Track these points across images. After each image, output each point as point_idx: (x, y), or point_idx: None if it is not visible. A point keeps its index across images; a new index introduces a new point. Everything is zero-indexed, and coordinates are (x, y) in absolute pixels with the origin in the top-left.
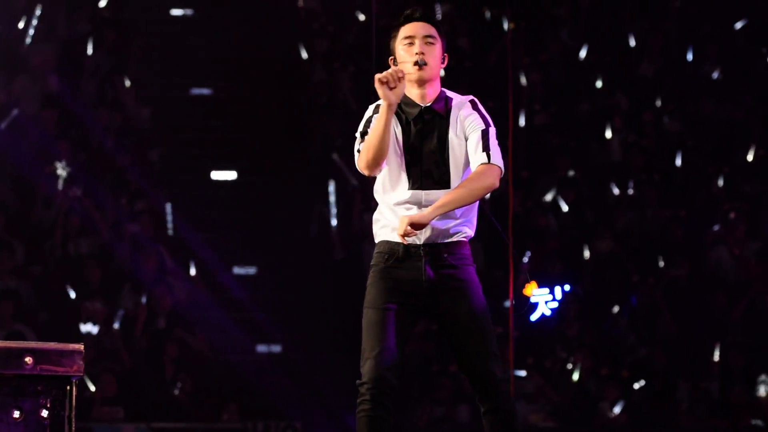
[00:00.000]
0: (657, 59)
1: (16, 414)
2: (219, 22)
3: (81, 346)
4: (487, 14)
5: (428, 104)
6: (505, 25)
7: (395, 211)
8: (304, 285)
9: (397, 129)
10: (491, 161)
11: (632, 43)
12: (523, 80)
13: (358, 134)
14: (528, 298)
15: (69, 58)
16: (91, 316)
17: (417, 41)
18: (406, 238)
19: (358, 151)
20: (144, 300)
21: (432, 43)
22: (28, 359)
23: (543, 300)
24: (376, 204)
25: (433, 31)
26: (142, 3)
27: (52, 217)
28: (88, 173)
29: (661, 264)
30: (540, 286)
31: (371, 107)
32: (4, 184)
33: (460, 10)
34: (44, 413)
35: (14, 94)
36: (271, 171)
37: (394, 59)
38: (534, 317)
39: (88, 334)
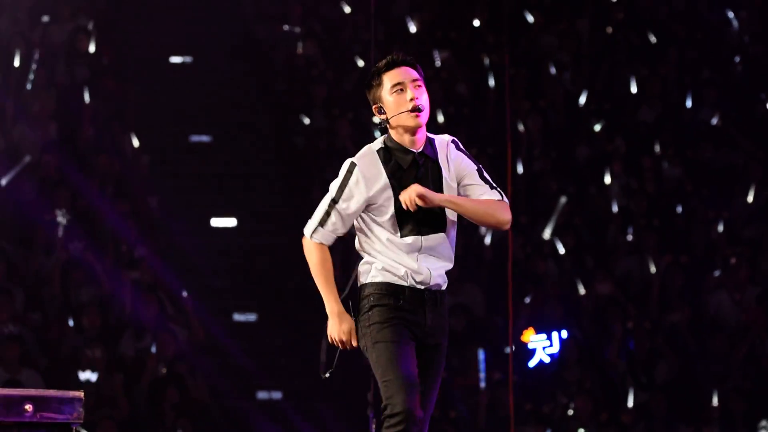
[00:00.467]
0: (656, 105)
1: None
2: (218, 69)
3: (81, 394)
4: (486, 60)
5: (420, 149)
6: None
7: (398, 254)
8: (304, 331)
9: (393, 179)
10: (504, 200)
11: (632, 88)
12: (521, 127)
13: (329, 199)
14: (526, 344)
15: (68, 105)
16: (90, 363)
17: (407, 86)
18: (406, 205)
19: (319, 224)
20: (150, 347)
21: (420, 86)
22: (29, 407)
23: (541, 346)
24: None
25: (419, 74)
26: (142, 50)
27: (51, 265)
28: (88, 220)
29: (660, 309)
30: (538, 332)
31: (345, 166)
32: (5, 231)
33: (458, 57)
34: None
35: (14, 140)
36: (270, 217)
37: (380, 108)
38: (532, 363)
39: (87, 381)
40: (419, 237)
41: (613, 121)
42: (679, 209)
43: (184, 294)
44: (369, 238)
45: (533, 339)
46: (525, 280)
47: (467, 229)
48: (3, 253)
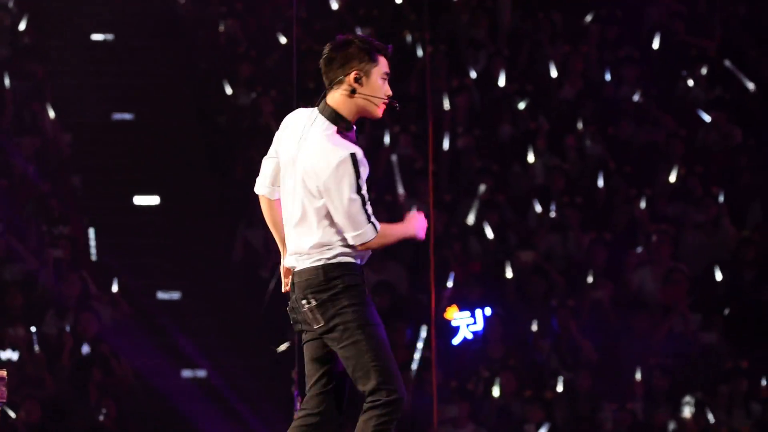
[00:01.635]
0: (577, 82)
1: None
2: (140, 47)
3: (4, 373)
4: (408, 38)
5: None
6: (420, 51)
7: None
8: (229, 309)
9: None
10: None
11: (552, 66)
12: (446, 104)
13: (356, 200)
14: (449, 321)
15: None
16: (13, 343)
17: (387, 81)
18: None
19: (371, 224)
20: (68, 327)
21: None
22: None
23: (464, 323)
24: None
25: None
26: (62, 28)
27: None
28: (10, 199)
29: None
30: (461, 309)
31: (348, 160)
32: None
33: (380, 33)
34: None
35: None
36: (193, 195)
37: (359, 78)
38: (456, 341)
39: (9, 360)
40: None
41: (536, 100)
42: (602, 186)
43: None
44: (330, 221)
45: (457, 316)
46: (448, 257)
47: (391, 206)
48: None
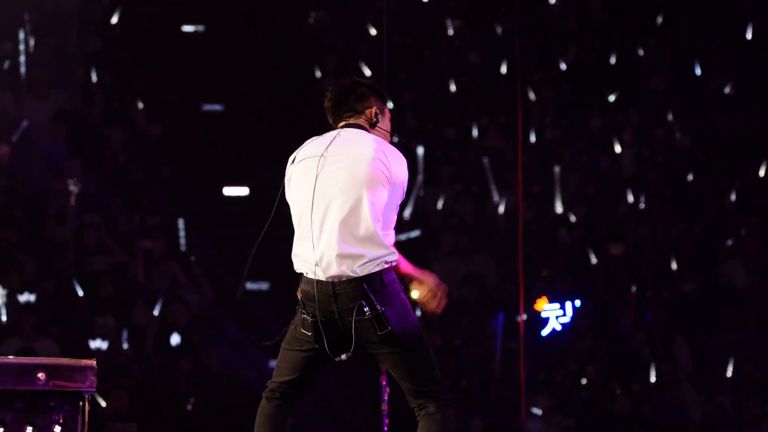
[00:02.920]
0: (667, 74)
1: (29, 430)
2: (230, 38)
3: (93, 362)
4: (498, 30)
5: None
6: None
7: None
8: None
9: None
10: None
11: (642, 57)
12: (532, 95)
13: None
14: (539, 313)
15: (80, 75)
16: (102, 332)
17: None
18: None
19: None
20: (162, 316)
21: None
22: (41, 375)
23: (554, 315)
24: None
25: None
26: (153, 19)
27: (64, 234)
28: (101, 189)
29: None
30: (551, 301)
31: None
32: (16, 199)
33: (470, 26)
34: (57, 429)
35: (25, 109)
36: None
37: (378, 112)
38: (545, 332)
39: (99, 349)
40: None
41: (625, 91)
42: (691, 178)
43: (192, 259)
44: (386, 224)
45: (546, 308)
46: (538, 249)
47: (479, 198)
48: (15, 221)
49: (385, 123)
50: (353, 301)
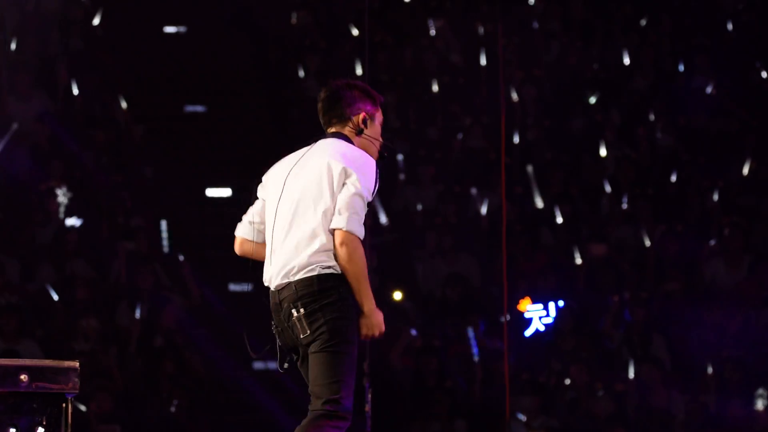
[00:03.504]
0: (649, 73)
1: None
2: (212, 39)
3: (76, 364)
4: (481, 30)
5: None
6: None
7: None
8: None
9: None
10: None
11: (625, 57)
12: (514, 96)
13: (364, 194)
14: (522, 313)
15: (61, 76)
16: (85, 334)
17: None
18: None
19: (362, 227)
20: (138, 316)
21: None
22: (24, 377)
23: (537, 315)
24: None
25: None
26: (135, 21)
27: (47, 236)
28: (83, 192)
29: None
30: (534, 301)
31: (373, 166)
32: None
33: (453, 26)
34: (40, 431)
35: (6, 111)
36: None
37: (365, 121)
38: (528, 332)
39: (81, 352)
40: None
41: (607, 91)
42: (674, 178)
43: (181, 258)
44: (330, 234)
45: (530, 308)
46: (520, 250)
47: (461, 199)
48: None
49: (373, 129)
50: (289, 305)
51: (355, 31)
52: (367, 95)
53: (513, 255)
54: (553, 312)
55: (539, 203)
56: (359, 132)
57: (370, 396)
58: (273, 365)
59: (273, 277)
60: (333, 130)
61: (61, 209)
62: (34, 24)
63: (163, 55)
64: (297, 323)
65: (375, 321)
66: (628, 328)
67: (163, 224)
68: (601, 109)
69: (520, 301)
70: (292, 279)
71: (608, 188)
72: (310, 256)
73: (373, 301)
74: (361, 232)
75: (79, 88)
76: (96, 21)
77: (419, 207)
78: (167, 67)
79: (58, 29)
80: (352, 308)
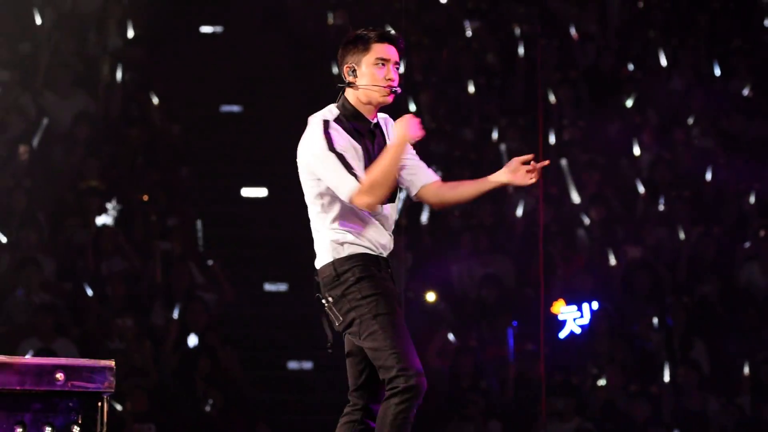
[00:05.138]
0: (687, 75)
1: (48, 431)
2: (249, 39)
3: (112, 363)
4: (517, 31)
5: (375, 121)
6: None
7: (362, 225)
8: None
9: (359, 142)
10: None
11: (662, 59)
12: (552, 98)
13: (330, 155)
14: (556, 316)
15: (98, 74)
16: (120, 333)
17: (389, 65)
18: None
19: (352, 176)
20: (174, 316)
21: (398, 69)
22: (60, 375)
23: (571, 317)
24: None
25: (400, 57)
26: (172, 20)
27: (84, 235)
28: (118, 190)
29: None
30: (568, 303)
31: (319, 125)
32: (37, 200)
33: (489, 27)
34: (76, 430)
35: (44, 110)
36: (301, 188)
37: (352, 70)
38: (563, 334)
39: (117, 350)
40: (379, 206)
41: (644, 92)
42: (709, 179)
43: (210, 263)
44: (330, 209)
45: (564, 310)
46: (556, 251)
47: (497, 199)
48: (35, 222)
49: (364, 77)
50: (318, 294)
51: (392, 32)
52: (351, 43)
53: (549, 257)
54: (587, 314)
55: (576, 205)
56: (348, 85)
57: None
58: (308, 365)
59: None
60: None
61: (98, 208)
62: (72, 23)
63: (199, 54)
64: (329, 312)
65: (410, 134)
66: (668, 332)
67: (199, 224)
68: (638, 111)
69: (554, 303)
70: (318, 265)
71: (642, 190)
72: (323, 243)
73: (394, 145)
74: (353, 185)
75: (116, 88)
76: (132, 19)
77: (455, 208)
78: (203, 66)
79: (96, 29)
80: (374, 278)
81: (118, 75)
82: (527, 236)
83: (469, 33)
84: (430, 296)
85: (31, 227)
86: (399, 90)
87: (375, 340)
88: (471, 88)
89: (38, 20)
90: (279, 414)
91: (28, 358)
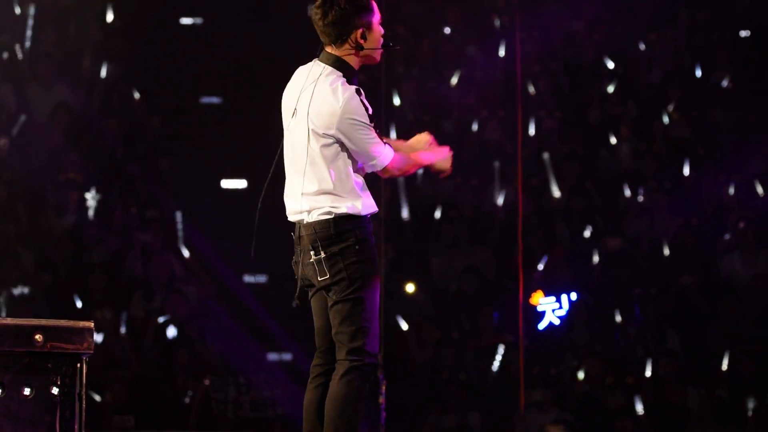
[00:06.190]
0: (666, 66)
1: (27, 391)
2: (229, 31)
3: (91, 324)
4: (497, 22)
5: None
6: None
7: (360, 188)
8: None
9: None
10: None
11: (642, 49)
12: (531, 89)
13: (372, 125)
14: (535, 307)
15: (77, 66)
16: (99, 325)
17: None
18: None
19: (387, 145)
20: (160, 308)
21: None
22: (39, 336)
23: (550, 308)
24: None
25: None
26: (151, 12)
27: (63, 227)
28: (99, 182)
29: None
30: (547, 294)
31: (353, 93)
32: (16, 192)
33: (469, 18)
34: (55, 390)
35: (24, 101)
36: (281, 180)
37: (363, 34)
38: (542, 326)
39: (95, 343)
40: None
41: (624, 83)
42: (689, 171)
43: (194, 249)
44: (335, 168)
45: (542, 301)
46: (535, 242)
47: (477, 190)
48: (13, 214)
49: (372, 39)
50: (306, 245)
51: None
52: (360, 8)
53: (529, 248)
54: (566, 305)
55: (555, 196)
56: (359, 48)
57: (384, 388)
58: (287, 356)
59: (293, 210)
60: (328, 48)
61: (91, 212)
62: (52, 14)
63: (179, 46)
64: (314, 266)
65: (440, 165)
66: (641, 324)
67: (178, 215)
68: (618, 102)
69: (532, 294)
70: (310, 219)
71: (625, 181)
72: (322, 196)
73: (427, 159)
74: (388, 155)
75: (96, 79)
76: (111, 10)
77: (435, 200)
78: (183, 58)
79: (76, 20)
80: (372, 249)
81: (98, 67)
82: (507, 227)
83: (449, 27)
84: (410, 287)
85: (9, 219)
86: (398, 47)
87: (355, 307)
88: (454, 80)
89: (17, 11)
90: (259, 406)
91: (7, 319)
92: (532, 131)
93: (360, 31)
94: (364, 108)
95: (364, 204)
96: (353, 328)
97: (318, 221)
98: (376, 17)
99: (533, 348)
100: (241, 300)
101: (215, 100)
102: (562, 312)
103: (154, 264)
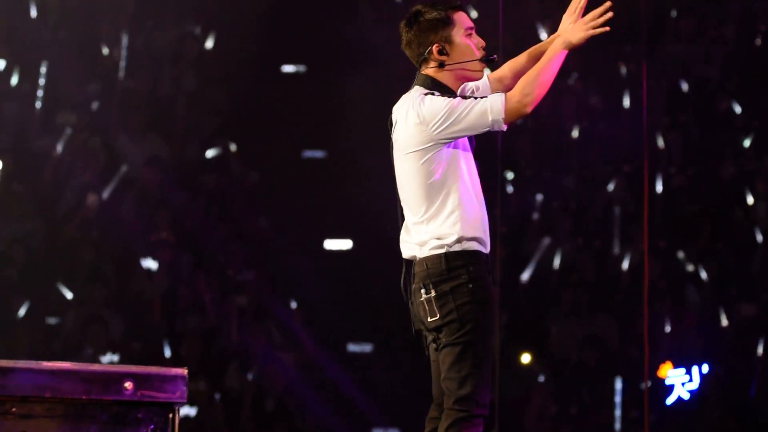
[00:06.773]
0: None
1: None
2: (333, 80)
3: (185, 371)
4: (623, 70)
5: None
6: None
7: (475, 207)
8: (423, 364)
9: None
10: None
11: None
12: (660, 142)
13: (457, 98)
14: (663, 380)
15: (172, 117)
16: (192, 397)
17: (474, 33)
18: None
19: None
20: (257, 379)
21: None
22: (128, 384)
23: (679, 382)
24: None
25: None
26: (251, 59)
27: (154, 291)
28: (193, 241)
29: None
30: (676, 366)
31: (422, 93)
32: (104, 253)
33: (591, 64)
34: None
35: (116, 154)
36: (388, 240)
37: (442, 49)
38: (670, 400)
39: (187, 416)
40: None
41: (761, 137)
42: None
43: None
44: (440, 197)
45: (671, 374)
46: (663, 309)
47: (600, 252)
48: (102, 277)
49: (456, 53)
50: (418, 283)
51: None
52: (434, 19)
53: (656, 315)
54: (697, 378)
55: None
56: (441, 65)
57: None
58: (391, 429)
59: (406, 243)
60: (421, 71)
61: (169, 261)
62: (145, 60)
63: (280, 96)
64: (425, 305)
65: (581, 37)
66: None
67: (278, 279)
68: (755, 157)
69: (660, 366)
70: (421, 255)
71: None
72: (430, 232)
73: (558, 47)
74: (500, 99)
75: (191, 132)
76: (209, 60)
77: (555, 262)
78: (285, 108)
79: (170, 67)
80: (485, 288)
81: (193, 118)
82: (632, 292)
83: (573, 77)
84: (525, 357)
85: (97, 282)
86: (496, 57)
87: (465, 352)
88: (575, 133)
89: (109, 57)
90: None
91: (95, 365)
92: (659, 188)
93: (437, 47)
94: (439, 99)
95: (477, 235)
96: (462, 374)
97: (428, 257)
98: (458, 29)
99: (660, 425)
100: (344, 370)
101: (318, 154)
102: (693, 386)
103: (251, 331)
